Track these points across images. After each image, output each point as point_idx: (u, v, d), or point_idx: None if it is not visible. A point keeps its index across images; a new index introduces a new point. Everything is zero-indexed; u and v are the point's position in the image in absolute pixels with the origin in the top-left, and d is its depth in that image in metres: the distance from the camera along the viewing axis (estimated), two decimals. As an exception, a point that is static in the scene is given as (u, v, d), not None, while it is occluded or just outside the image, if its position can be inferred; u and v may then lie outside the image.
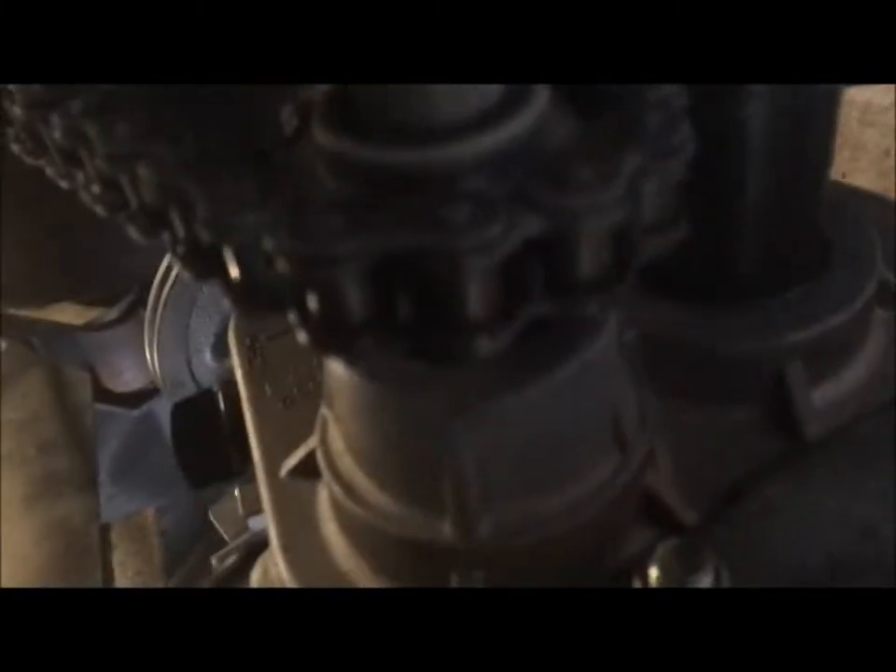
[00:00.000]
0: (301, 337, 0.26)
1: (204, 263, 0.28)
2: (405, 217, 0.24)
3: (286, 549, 0.39)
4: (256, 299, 0.27)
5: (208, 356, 0.93)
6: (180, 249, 0.29)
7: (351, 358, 0.29)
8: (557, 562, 0.35)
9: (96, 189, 0.32)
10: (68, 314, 1.09)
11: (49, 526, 0.93)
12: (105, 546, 0.91)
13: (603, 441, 0.34)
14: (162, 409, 1.20)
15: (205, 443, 0.62)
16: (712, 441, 0.40)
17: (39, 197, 0.58)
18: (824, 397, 0.40)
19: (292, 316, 0.26)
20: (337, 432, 0.38)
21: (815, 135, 0.39)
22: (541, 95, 0.28)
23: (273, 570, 0.41)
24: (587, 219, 0.25)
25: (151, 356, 0.92)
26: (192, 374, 0.92)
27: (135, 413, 1.24)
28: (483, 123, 0.27)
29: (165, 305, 0.87)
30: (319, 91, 0.30)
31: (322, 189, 0.27)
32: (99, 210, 0.33)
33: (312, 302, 0.26)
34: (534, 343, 0.30)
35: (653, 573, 0.31)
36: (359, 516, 0.35)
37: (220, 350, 0.92)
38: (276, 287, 0.26)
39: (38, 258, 0.89)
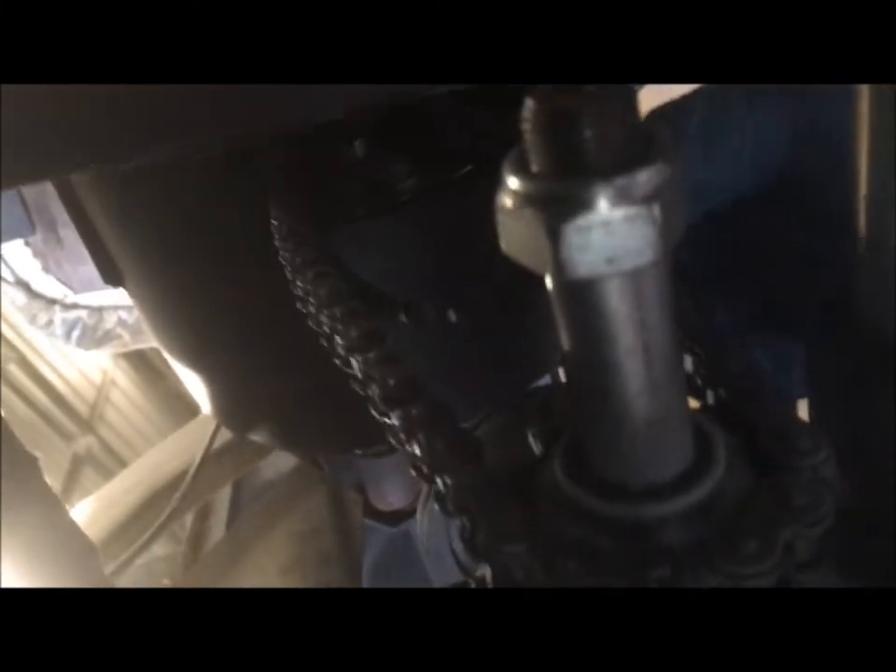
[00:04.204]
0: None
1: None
2: (621, 567, 0.36)
3: None
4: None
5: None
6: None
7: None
8: None
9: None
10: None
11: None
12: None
13: None
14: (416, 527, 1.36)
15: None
16: None
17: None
18: None
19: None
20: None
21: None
22: (721, 460, 0.39)
23: None
24: (750, 581, 0.35)
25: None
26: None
27: (395, 529, 1.41)
28: (678, 487, 0.38)
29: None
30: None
31: (561, 529, 0.39)
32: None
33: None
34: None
35: None
36: None
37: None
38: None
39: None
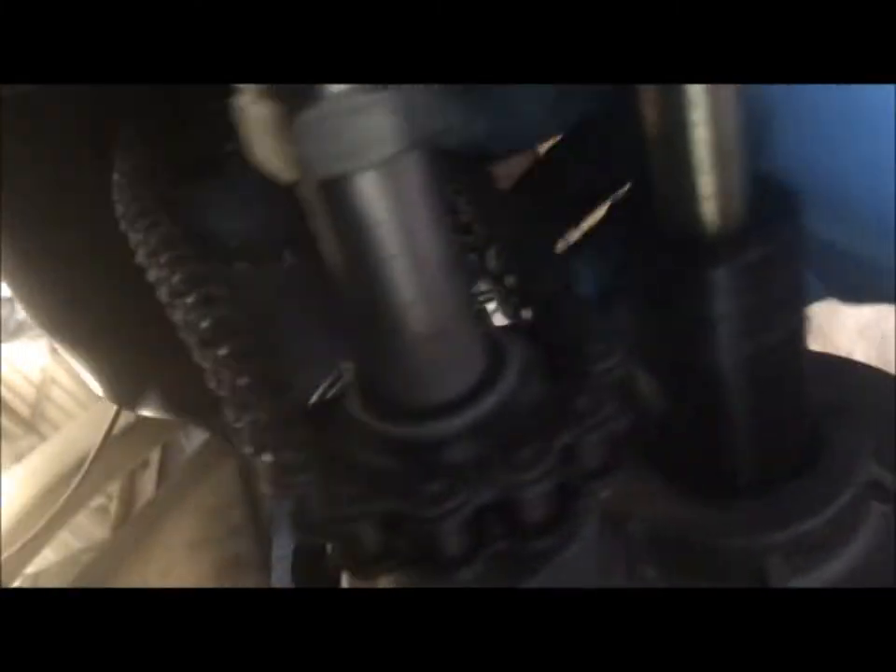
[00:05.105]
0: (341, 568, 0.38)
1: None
2: (398, 486, 0.36)
3: None
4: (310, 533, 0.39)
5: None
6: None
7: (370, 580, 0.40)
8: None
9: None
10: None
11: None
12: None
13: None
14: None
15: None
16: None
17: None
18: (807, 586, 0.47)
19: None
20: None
21: (787, 366, 0.46)
22: (512, 374, 0.38)
23: None
24: (527, 489, 0.35)
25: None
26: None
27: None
28: (463, 403, 0.37)
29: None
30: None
31: (350, 455, 0.38)
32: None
33: (339, 546, 0.37)
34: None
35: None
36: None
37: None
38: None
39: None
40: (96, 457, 1.22)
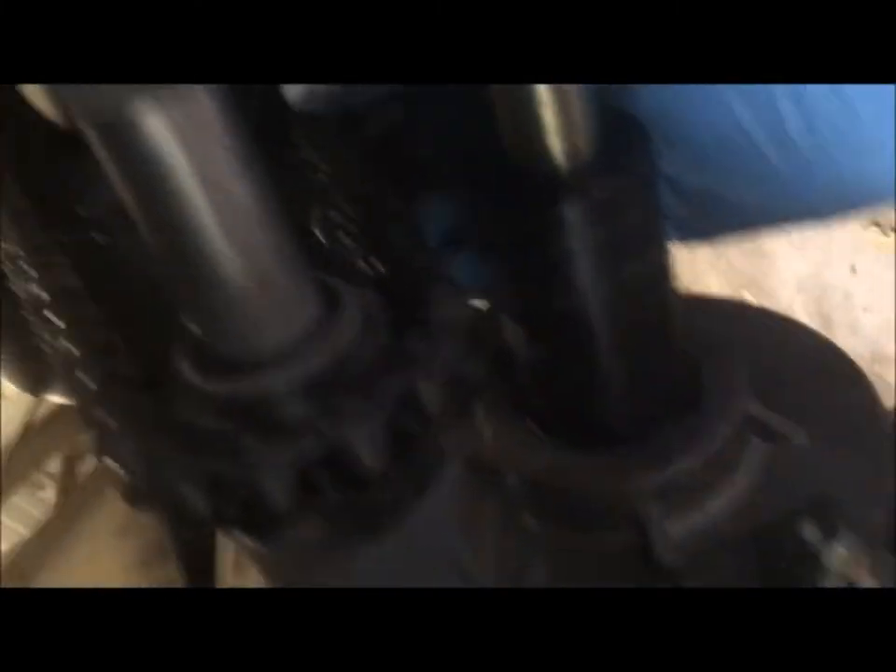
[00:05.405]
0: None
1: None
2: (218, 443, 0.33)
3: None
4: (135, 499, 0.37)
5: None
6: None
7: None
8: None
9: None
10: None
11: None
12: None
13: (443, 580, 0.41)
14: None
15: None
16: (590, 567, 0.46)
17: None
18: (684, 527, 0.45)
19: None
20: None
21: (653, 302, 0.44)
22: (349, 325, 0.36)
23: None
24: (354, 440, 0.33)
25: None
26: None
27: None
28: (290, 355, 0.34)
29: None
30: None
31: (177, 419, 0.36)
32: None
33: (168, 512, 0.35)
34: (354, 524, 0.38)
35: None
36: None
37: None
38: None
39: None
40: (18, 446, 1.18)
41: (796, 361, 0.52)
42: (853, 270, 1.39)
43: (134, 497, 0.35)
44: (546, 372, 0.46)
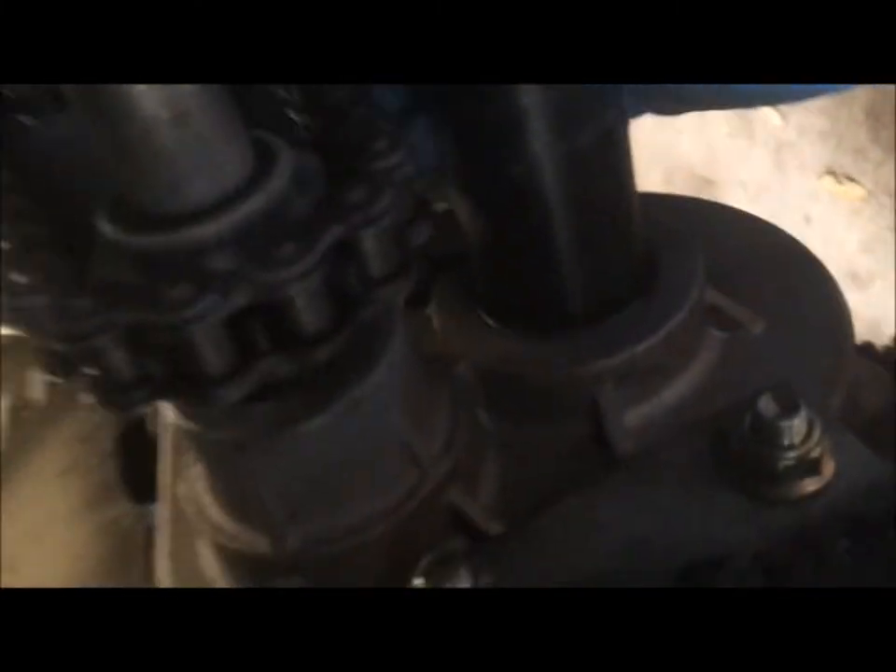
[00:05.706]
0: (87, 398, 0.33)
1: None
2: (140, 295, 0.31)
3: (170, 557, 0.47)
4: (57, 368, 0.34)
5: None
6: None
7: (127, 411, 0.35)
8: (371, 566, 0.40)
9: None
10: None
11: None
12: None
13: (394, 462, 0.39)
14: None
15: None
16: (544, 456, 0.45)
17: None
18: (641, 415, 0.44)
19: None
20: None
21: (608, 177, 0.43)
22: (280, 178, 0.34)
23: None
24: (289, 288, 0.31)
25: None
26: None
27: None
28: (221, 206, 0.32)
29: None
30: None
31: (95, 274, 0.33)
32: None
33: (88, 369, 0.32)
34: (312, 384, 0.36)
35: (418, 581, 0.36)
36: (208, 532, 0.42)
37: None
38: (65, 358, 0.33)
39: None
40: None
41: (754, 252, 0.51)
42: (807, 220, 1.39)
43: (55, 364, 0.33)
44: (497, 252, 0.44)
